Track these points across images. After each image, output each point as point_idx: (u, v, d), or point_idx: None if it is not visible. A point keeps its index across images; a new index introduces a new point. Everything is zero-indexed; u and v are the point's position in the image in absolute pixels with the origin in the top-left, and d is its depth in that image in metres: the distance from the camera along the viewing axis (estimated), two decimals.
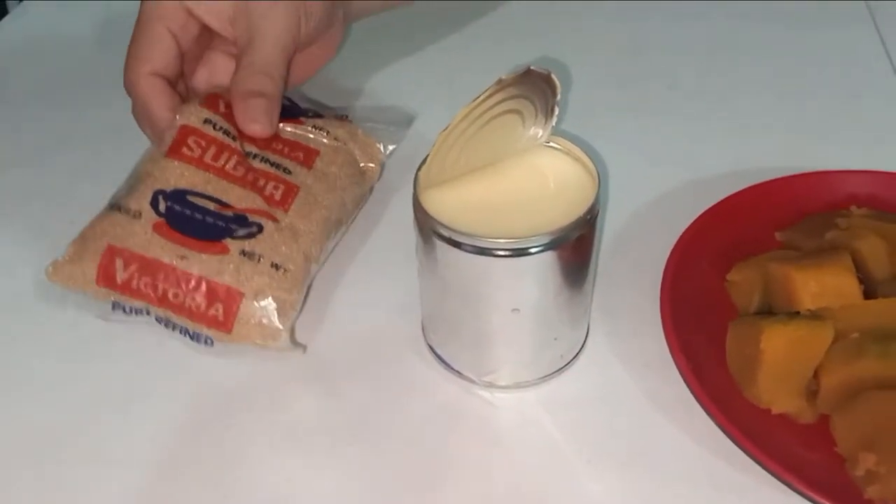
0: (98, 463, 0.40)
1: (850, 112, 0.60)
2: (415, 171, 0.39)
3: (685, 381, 0.40)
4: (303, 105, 0.51)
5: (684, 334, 0.41)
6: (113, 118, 0.51)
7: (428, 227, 0.38)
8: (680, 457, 0.39)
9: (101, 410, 0.42)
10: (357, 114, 0.57)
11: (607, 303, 0.47)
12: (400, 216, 0.53)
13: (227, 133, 0.44)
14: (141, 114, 0.46)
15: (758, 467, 0.37)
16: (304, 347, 0.42)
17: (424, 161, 0.38)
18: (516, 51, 0.67)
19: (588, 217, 0.38)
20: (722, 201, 0.48)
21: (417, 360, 0.45)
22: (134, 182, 0.42)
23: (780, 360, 0.38)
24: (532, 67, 0.36)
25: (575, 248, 0.38)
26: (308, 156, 0.46)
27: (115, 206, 0.41)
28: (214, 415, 0.42)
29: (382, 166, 0.51)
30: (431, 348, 0.45)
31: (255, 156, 0.45)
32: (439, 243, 0.38)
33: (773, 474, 0.36)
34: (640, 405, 0.42)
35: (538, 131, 0.41)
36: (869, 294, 0.41)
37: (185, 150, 0.43)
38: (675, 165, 0.55)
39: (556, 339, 0.42)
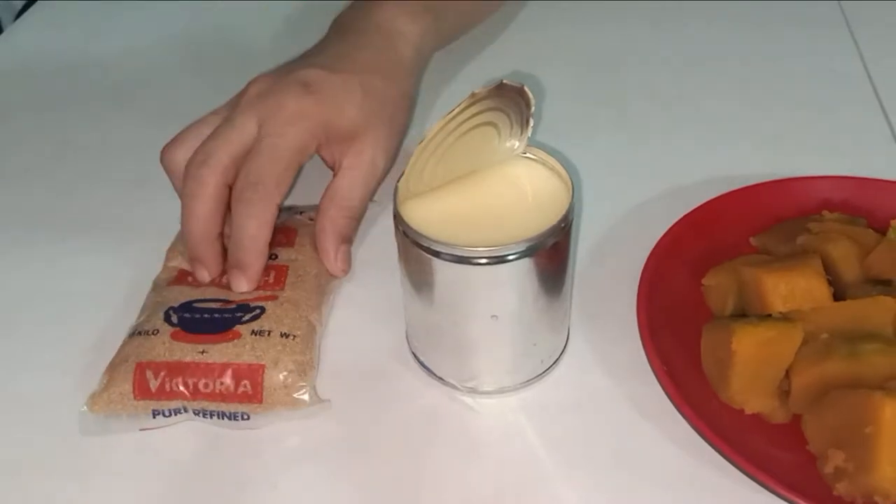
0: None
1: (824, 118, 0.61)
2: (394, 184, 0.40)
3: (660, 384, 0.41)
4: None
5: (660, 338, 0.42)
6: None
7: (408, 238, 0.39)
8: (658, 459, 0.40)
9: None
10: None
11: (587, 309, 0.48)
12: (382, 228, 0.54)
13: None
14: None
15: (733, 468, 0.38)
16: (329, 402, 0.43)
17: (403, 174, 0.39)
18: (491, 63, 0.68)
19: (563, 225, 0.39)
20: (697, 208, 0.49)
21: (402, 368, 0.46)
22: (146, 312, 0.46)
23: (751, 362, 0.39)
24: (505, 81, 0.37)
25: (551, 255, 0.39)
26: (288, 236, 0.49)
27: (134, 333, 0.44)
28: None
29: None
30: (415, 356, 0.46)
31: None
32: (419, 253, 0.39)
33: (747, 474, 0.37)
34: (619, 409, 0.43)
35: (514, 143, 0.42)
36: (838, 296, 0.42)
37: (183, 281, 0.48)
38: (652, 173, 0.57)
39: (535, 344, 0.43)
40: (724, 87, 0.65)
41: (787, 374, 0.39)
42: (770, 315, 0.41)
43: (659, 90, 0.66)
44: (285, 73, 0.50)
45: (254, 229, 0.45)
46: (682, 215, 0.49)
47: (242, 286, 0.46)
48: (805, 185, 0.51)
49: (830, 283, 0.42)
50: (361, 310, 0.49)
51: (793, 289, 0.41)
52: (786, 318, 0.40)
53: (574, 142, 0.57)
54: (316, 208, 0.53)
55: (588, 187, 0.55)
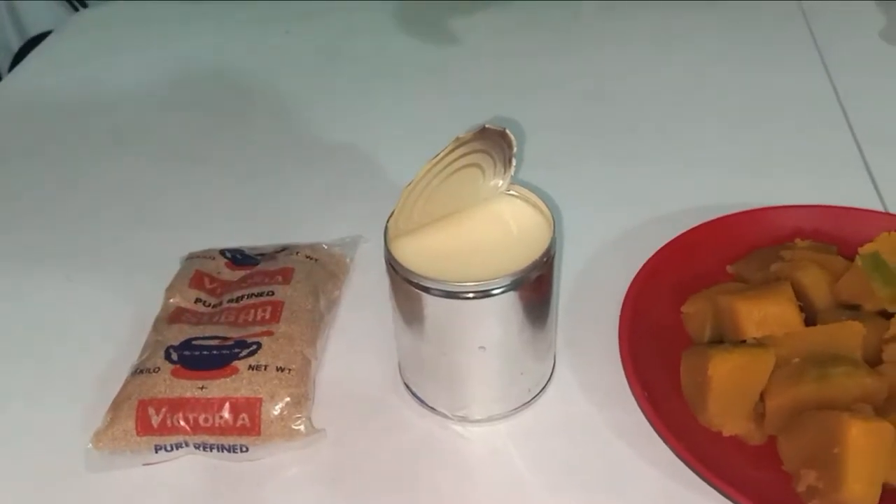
0: None
1: (798, 147, 0.64)
2: (384, 224, 0.42)
3: (641, 409, 0.43)
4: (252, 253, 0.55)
5: (642, 365, 0.44)
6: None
7: (399, 275, 0.41)
8: (639, 482, 0.42)
9: None
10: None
11: (572, 338, 0.50)
12: (373, 266, 0.56)
13: (216, 305, 0.50)
14: None
15: (712, 489, 0.40)
16: (324, 431, 0.45)
17: (392, 213, 0.41)
18: (476, 103, 0.71)
19: (545, 259, 0.41)
20: (676, 238, 0.52)
21: (395, 398, 0.47)
22: (147, 351, 0.48)
23: (727, 386, 0.41)
24: (487, 125, 0.40)
25: (535, 287, 0.41)
26: (285, 274, 0.51)
27: (136, 371, 0.46)
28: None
29: (347, 269, 0.55)
30: (408, 387, 0.47)
31: (240, 298, 0.50)
32: (410, 289, 0.41)
33: (725, 495, 0.39)
34: (602, 434, 0.45)
35: (498, 182, 0.44)
36: (810, 321, 0.44)
37: (182, 318, 0.49)
38: (633, 205, 0.59)
39: (522, 373, 0.45)
40: (704, 122, 0.68)
41: (762, 397, 0.41)
42: (744, 341, 0.43)
43: (638, 123, 0.68)
44: None
45: None
46: (661, 245, 0.51)
47: None
48: (778, 214, 0.53)
49: (802, 308, 0.44)
50: (355, 343, 0.51)
51: (765, 315, 0.43)
52: (760, 343, 0.42)
53: (557, 177, 0.59)
54: (312, 246, 0.55)
55: (571, 218, 0.57)
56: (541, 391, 0.47)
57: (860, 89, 0.69)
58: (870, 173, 0.61)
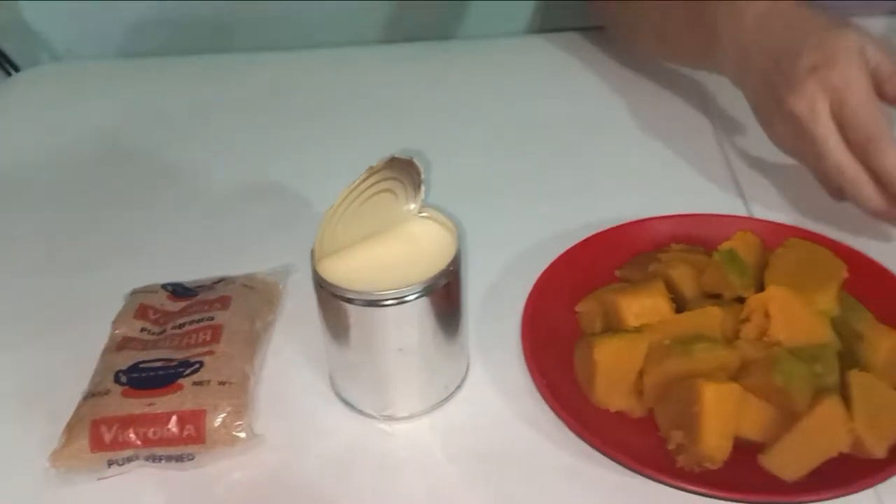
0: None
1: (677, 163, 0.72)
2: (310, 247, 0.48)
3: (542, 396, 0.49)
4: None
5: (542, 359, 0.51)
6: None
7: (325, 290, 0.47)
8: (544, 458, 0.49)
9: None
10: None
11: (483, 340, 0.56)
12: (303, 287, 0.62)
13: (160, 333, 0.55)
14: None
15: (605, 457, 0.46)
16: (263, 436, 0.50)
17: (316, 237, 0.48)
18: (393, 136, 0.78)
19: (451, 269, 0.48)
20: (570, 248, 0.59)
21: (327, 404, 0.53)
22: (97, 377, 0.52)
23: (610, 368, 0.48)
24: (396, 155, 0.46)
25: (444, 294, 0.48)
26: (223, 302, 0.57)
27: (88, 396, 0.51)
28: None
29: (281, 295, 0.61)
30: (338, 394, 0.53)
31: (182, 325, 0.55)
32: (336, 302, 0.47)
33: (614, 460, 0.46)
34: (512, 422, 0.51)
35: (411, 205, 0.51)
36: (680, 310, 0.51)
37: (129, 346, 0.54)
38: (536, 221, 0.66)
39: (438, 372, 0.51)
40: (596, 147, 0.76)
41: (640, 375, 0.49)
42: (624, 330, 0.50)
43: (538, 150, 0.76)
44: None
45: None
46: (558, 255, 0.58)
47: None
48: (656, 223, 0.61)
49: (674, 300, 0.52)
50: (290, 360, 0.56)
51: (642, 307, 0.51)
52: (637, 330, 0.50)
53: (468, 196, 0.66)
54: (247, 276, 0.60)
55: (480, 237, 0.64)
56: (457, 388, 0.53)
57: (732, 114, 0.78)
58: (738, 185, 0.70)
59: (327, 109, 0.84)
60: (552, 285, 0.56)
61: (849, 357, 0.47)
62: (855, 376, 0.45)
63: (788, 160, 0.63)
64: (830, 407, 0.43)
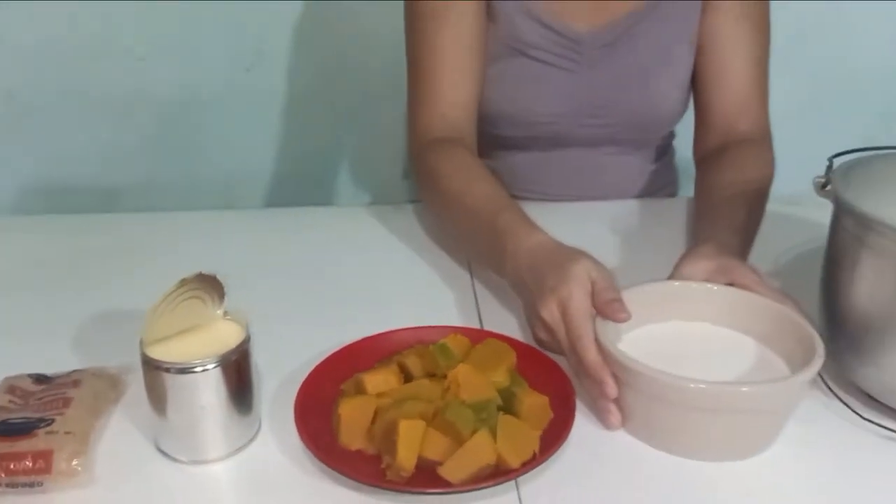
0: None
1: (442, 304, 0.98)
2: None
3: (304, 444, 0.70)
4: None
5: (308, 418, 0.72)
6: None
7: (148, 364, 0.68)
8: (306, 485, 0.69)
9: None
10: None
11: (273, 405, 0.78)
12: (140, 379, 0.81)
13: (24, 403, 0.74)
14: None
15: (352, 481, 0.67)
16: (99, 475, 0.68)
17: (143, 328, 0.69)
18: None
19: (241, 348, 0.70)
20: (342, 348, 0.82)
21: (153, 455, 0.72)
22: None
23: (350, 420, 0.70)
24: (202, 272, 0.69)
25: (235, 366, 0.70)
26: (75, 383, 0.76)
27: None
28: None
29: (124, 382, 0.80)
30: (158, 448, 0.73)
31: (42, 398, 0.74)
32: (156, 371, 0.68)
33: (357, 481, 0.67)
34: (288, 467, 0.71)
35: (217, 310, 0.73)
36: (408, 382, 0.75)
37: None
38: (325, 328, 0.89)
39: (235, 426, 0.72)
40: (382, 285, 1.02)
41: (372, 424, 0.71)
42: (363, 394, 0.73)
43: (337, 290, 1.01)
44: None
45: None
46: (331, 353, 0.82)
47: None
48: (406, 332, 0.85)
49: (406, 377, 0.76)
50: (125, 424, 0.76)
51: (378, 380, 0.74)
52: (372, 394, 0.73)
53: (264, 308, 0.89)
54: (96, 368, 0.80)
55: (281, 344, 0.86)
56: (250, 440, 0.74)
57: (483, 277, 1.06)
58: (479, 312, 0.96)
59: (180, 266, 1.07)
60: (324, 371, 0.79)
61: (507, 408, 0.72)
62: (503, 418, 0.69)
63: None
64: (482, 436, 0.67)
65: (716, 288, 0.81)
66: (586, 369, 0.74)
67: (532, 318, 0.84)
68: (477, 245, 0.98)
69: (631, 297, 0.78)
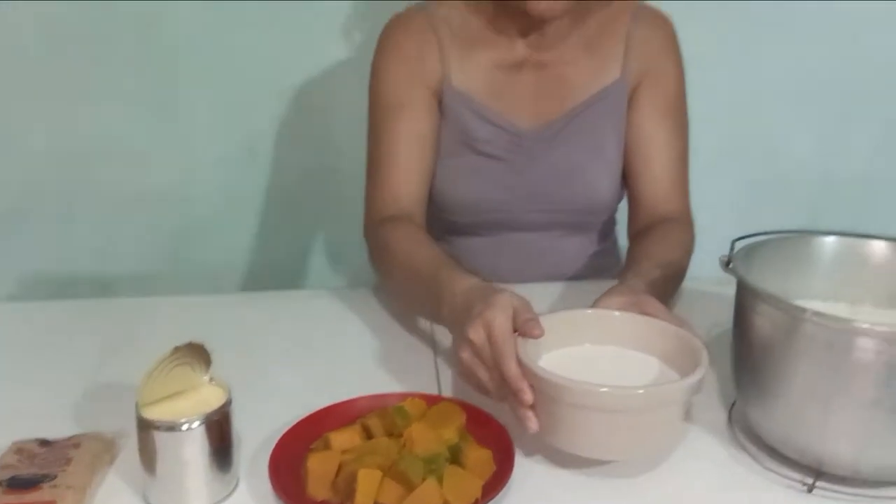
0: None
1: (406, 375, 1.09)
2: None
3: (276, 494, 0.80)
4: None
5: (281, 473, 0.83)
6: None
7: (143, 422, 0.79)
8: None
9: None
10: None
11: (250, 465, 0.87)
12: (133, 442, 0.91)
13: (30, 464, 0.84)
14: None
15: None
16: None
17: (138, 391, 0.80)
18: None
19: (223, 409, 0.81)
20: (311, 414, 0.93)
21: None
22: None
23: (316, 472, 0.80)
24: (192, 341, 0.81)
25: (217, 425, 0.80)
26: (76, 445, 0.87)
27: None
28: None
29: (118, 445, 0.90)
30: (148, 502, 0.82)
31: (45, 457, 0.85)
32: (147, 429, 0.79)
33: None
34: None
35: (204, 375, 0.84)
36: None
37: (9, 466, 0.83)
38: (305, 395, 0.99)
39: (216, 480, 0.82)
40: (347, 364, 1.13)
41: (336, 476, 0.81)
42: (329, 450, 0.83)
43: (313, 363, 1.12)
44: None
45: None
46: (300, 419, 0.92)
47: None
48: (369, 399, 0.96)
49: (367, 435, 0.86)
50: (119, 481, 0.85)
51: (343, 439, 0.84)
52: (338, 450, 0.83)
53: (252, 378, 0.99)
54: (93, 432, 0.90)
55: (260, 408, 0.96)
56: (229, 494, 0.83)
57: (445, 347, 1.18)
58: (437, 377, 1.07)
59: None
60: (298, 432, 0.89)
61: (455, 460, 0.82)
62: (450, 468, 0.80)
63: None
64: (430, 484, 0.77)
65: (624, 315, 0.93)
66: (507, 381, 0.84)
67: (460, 341, 0.94)
68: (420, 297, 1.10)
69: (548, 323, 0.88)
